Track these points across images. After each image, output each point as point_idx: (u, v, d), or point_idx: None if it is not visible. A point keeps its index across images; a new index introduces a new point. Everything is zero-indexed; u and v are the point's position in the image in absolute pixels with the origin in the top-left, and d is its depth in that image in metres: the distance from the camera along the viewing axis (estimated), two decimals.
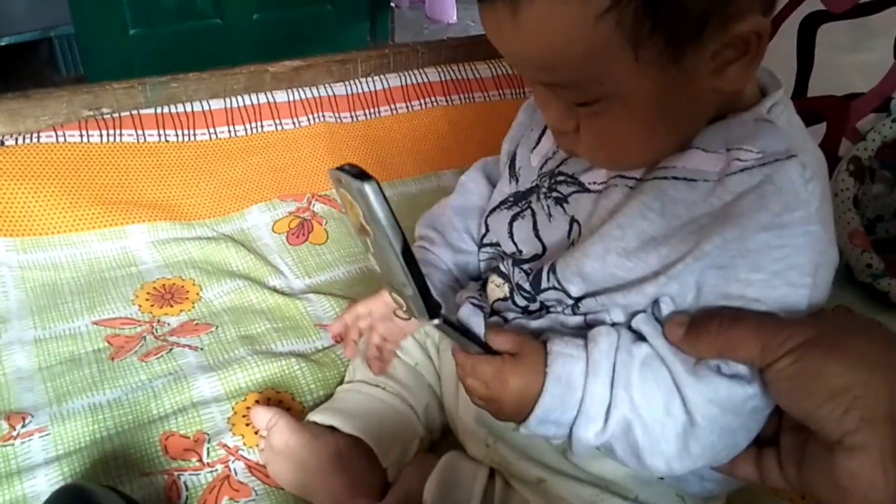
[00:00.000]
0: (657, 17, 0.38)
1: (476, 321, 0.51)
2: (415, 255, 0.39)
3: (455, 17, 2.07)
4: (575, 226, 0.49)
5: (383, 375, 0.63)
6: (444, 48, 1.11)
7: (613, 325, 0.46)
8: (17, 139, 0.83)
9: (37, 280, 0.76)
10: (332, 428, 0.58)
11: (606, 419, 0.44)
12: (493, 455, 0.54)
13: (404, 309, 0.44)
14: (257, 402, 0.64)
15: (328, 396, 0.67)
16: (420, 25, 2.58)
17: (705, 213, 0.43)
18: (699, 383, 0.42)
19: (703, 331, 0.41)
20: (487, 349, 0.47)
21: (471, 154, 1.03)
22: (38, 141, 0.83)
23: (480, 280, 0.61)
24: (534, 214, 0.53)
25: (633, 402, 0.43)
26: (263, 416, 0.58)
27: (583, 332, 0.46)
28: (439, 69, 1.08)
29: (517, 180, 0.57)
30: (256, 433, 0.61)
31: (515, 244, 0.54)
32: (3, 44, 2.20)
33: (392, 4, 2.26)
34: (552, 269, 0.48)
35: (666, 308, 0.44)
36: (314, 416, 0.59)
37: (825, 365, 0.37)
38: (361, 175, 0.37)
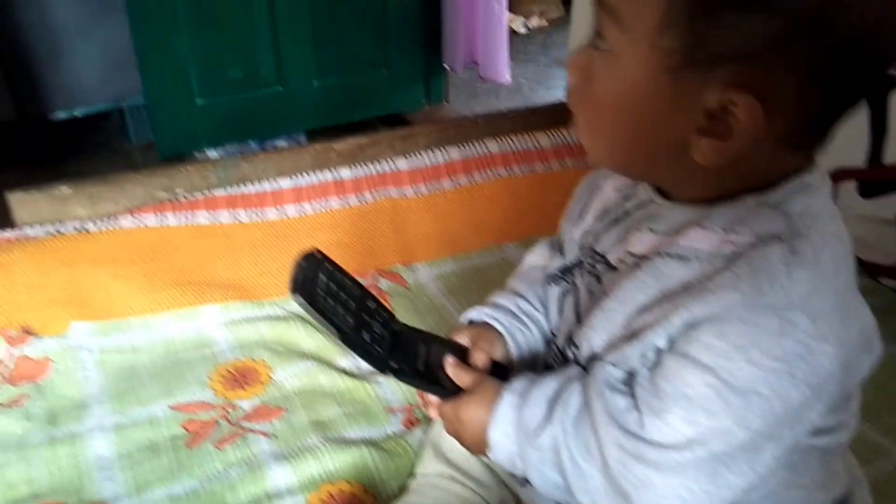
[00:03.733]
0: (699, 6, 0.39)
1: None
2: (359, 332, 0.51)
3: (509, 78, 2.09)
4: None
5: (458, 469, 0.62)
6: (503, 119, 1.12)
7: None
8: (98, 225, 0.86)
9: (116, 363, 0.79)
10: None
11: (541, 430, 0.47)
12: None
13: None
14: None
15: (400, 487, 0.66)
16: (473, 85, 2.61)
17: (687, 284, 0.44)
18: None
19: None
20: (455, 392, 0.53)
21: (532, 225, 1.04)
22: (118, 226, 0.86)
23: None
24: (577, 291, 0.55)
25: (563, 426, 0.46)
26: None
27: None
28: (499, 140, 1.09)
29: (564, 255, 0.60)
30: None
31: (560, 322, 0.57)
32: (77, 115, 2.33)
33: (446, 67, 2.30)
34: (572, 342, 0.52)
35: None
36: None
37: None
38: (294, 287, 0.48)
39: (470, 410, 0.51)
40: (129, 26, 1.91)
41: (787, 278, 0.41)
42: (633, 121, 0.45)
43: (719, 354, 0.41)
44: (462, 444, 0.53)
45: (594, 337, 0.49)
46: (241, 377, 0.79)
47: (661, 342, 0.44)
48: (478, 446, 0.51)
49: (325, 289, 0.50)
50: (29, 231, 0.85)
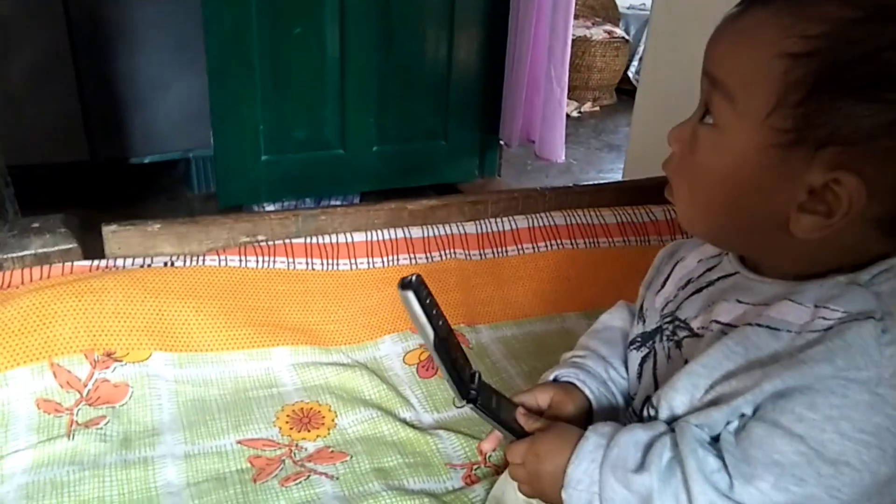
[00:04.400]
0: (815, 93, 0.42)
1: None
2: (448, 348, 0.52)
3: (563, 157, 2.15)
4: None
5: None
6: (570, 194, 1.15)
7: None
8: (184, 260, 0.90)
9: (188, 395, 0.81)
10: None
11: (635, 476, 0.47)
12: None
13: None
14: None
15: None
16: (524, 162, 2.69)
17: (778, 355, 0.45)
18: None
19: None
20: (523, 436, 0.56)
21: (594, 297, 1.05)
22: (203, 263, 0.90)
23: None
24: (655, 355, 0.58)
25: (659, 477, 0.47)
26: None
27: None
28: (565, 213, 1.12)
29: (644, 321, 0.62)
30: None
31: (637, 385, 0.60)
32: (146, 161, 2.44)
33: (501, 142, 2.37)
34: (650, 403, 0.53)
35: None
36: None
37: None
38: (404, 284, 0.50)
39: (548, 443, 0.53)
40: (206, 83, 2.02)
41: (879, 355, 0.43)
42: (735, 192, 0.48)
43: (811, 425, 0.43)
44: (532, 485, 0.54)
45: (675, 398, 0.50)
46: (306, 419, 0.80)
47: (748, 409, 0.46)
48: (552, 481, 0.51)
49: (426, 299, 0.51)
50: (119, 262, 0.89)
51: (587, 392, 0.61)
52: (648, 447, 0.49)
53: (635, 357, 0.61)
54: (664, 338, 0.57)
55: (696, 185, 0.51)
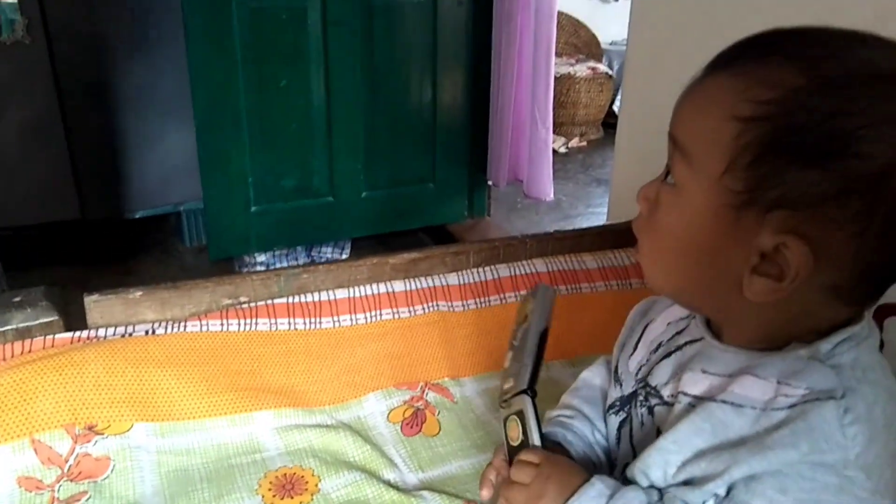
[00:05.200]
0: (765, 157, 0.43)
1: None
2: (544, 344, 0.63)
3: (552, 195, 2.17)
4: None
5: None
6: (550, 240, 1.16)
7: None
8: (166, 327, 0.91)
9: (171, 465, 0.81)
10: None
11: None
12: None
13: (508, 388, 0.64)
14: None
15: None
16: (514, 200, 2.71)
17: (745, 437, 0.45)
18: None
19: None
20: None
21: (577, 345, 1.06)
22: (185, 330, 0.90)
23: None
24: (632, 421, 0.58)
25: None
26: None
27: None
28: (547, 260, 1.13)
29: (620, 385, 0.62)
30: None
31: (617, 451, 0.60)
32: (138, 216, 2.46)
33: (489, 183, 2.40)
34: (624, 476, 0.54)
35: None
36: None
37: None
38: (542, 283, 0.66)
39: (559, 466, 0.54)
40: (194, 136, 2.04)
41: (842, 437, 0.43)
42: (691, 251, 0.49)
43: None
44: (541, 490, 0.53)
45: (651, 473, 0.51)
46: (289, 485, 0.80)
47: (721, 490, 0.46)
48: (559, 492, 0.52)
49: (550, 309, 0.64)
50: (101, 332, 0.89)
51: (572, 453, 0.62)
52: None
53: (614, 421, 0.61)
54: (638, 403, 0.58)
55: (657, 243, 0.52)
